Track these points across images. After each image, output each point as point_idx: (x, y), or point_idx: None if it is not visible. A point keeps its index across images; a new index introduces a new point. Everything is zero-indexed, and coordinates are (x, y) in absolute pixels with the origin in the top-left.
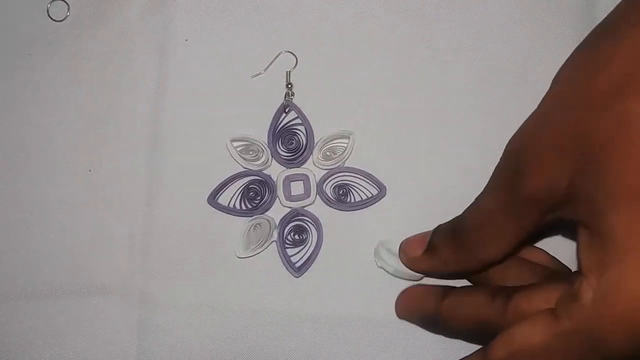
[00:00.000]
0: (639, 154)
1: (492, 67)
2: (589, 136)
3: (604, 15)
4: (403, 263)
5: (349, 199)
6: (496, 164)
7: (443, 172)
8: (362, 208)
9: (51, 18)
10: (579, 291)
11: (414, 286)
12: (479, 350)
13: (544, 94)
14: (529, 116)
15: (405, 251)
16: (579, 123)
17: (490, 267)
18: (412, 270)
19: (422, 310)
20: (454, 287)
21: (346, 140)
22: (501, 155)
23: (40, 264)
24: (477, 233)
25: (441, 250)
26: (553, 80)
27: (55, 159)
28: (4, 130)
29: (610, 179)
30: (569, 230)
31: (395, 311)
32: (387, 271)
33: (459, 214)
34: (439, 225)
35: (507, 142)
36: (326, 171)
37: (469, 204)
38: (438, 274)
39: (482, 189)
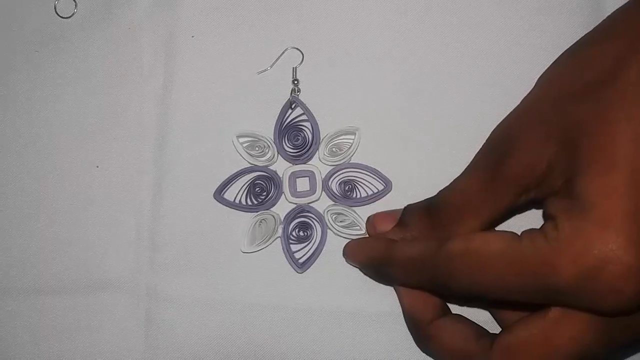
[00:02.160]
0: (608, 135)
1: (500, 63)
2: (569, 122)
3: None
4: (370, 235)
5: (354, 195)
6: None
7: (449, 167)
8: (368, 204)
9: (58, 15)
10: (546, 227)
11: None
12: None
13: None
14: (516, 108)
15: (373, 223)
16: (562, 112)
17: None
18: None
19: (371, 252)
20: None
21: (352, 137)
22: (485, 142)
23: (48, 260)
24: (452, 212)
25: (412, 226)
26: (539, 79)
27: (63, 155)
28: (12, 127)
29: (585, 154)
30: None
31: (344, 252)
32: None
33: None
34: (409, 205)
35: None
36: (332, 167)
37: None
38: None
39: None
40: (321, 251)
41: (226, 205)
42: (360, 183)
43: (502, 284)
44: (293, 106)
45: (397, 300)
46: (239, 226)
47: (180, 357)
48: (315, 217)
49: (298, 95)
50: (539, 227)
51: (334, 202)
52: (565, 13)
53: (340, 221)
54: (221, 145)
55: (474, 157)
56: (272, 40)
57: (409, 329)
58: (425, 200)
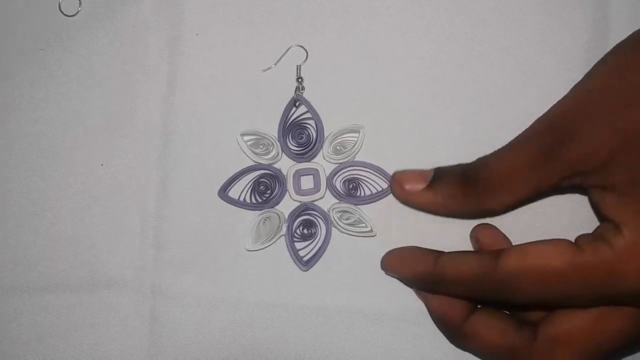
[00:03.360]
0: None
1: (505, 62)
2: (638, 118)
3: None
4: (395, 194)
5: (358, 193)
6: None
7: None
8: (372, 202)
9: (63, 13)
10: (608, 237)
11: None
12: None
13: (593, 66)
14: (576, 89)
15: (401, 182)
16: (631, 105)
17: (485, 217)
18: (404, 202)
19: (417, 267)
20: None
21: (356, 134)
22: (537, 120)
23: (52, 258)
24: (491, 184)
25: (445, 190)
26: (601, 63)
27: (68, 153)
28: (16, 125)
29: None
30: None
31: (384, 267)
32: None
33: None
34: (440, 168)
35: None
36: (336, 165)
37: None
38: (432, 211)
39: None
40: (325, 249)
41: (230, 204)
42: (364, 181)
43: (566, 295)
44: (297, 104)
45: (401, 298)
46: (243, 224)
47: (184, 355)
48: (319, 215)
49: (302, 93)
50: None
51: (338, 200)
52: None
53: (346, 219)
54: (225, 143)
55: (523, 133)
56: (276, 38)
57: (440, 330)
58: (459, 165)
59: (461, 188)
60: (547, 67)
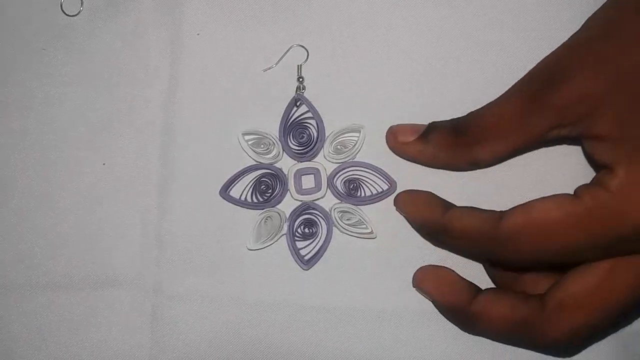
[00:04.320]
0: None
1: (509, 61)
2: (627, 64)
3: None
4: (389, 145)
5: (359, 194)
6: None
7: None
8: (373, 203)
9: (65, 13)
10: (603, 180)
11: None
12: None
13: (587, 20)
14: (572, 36)
15: (394, 134)
16: (619, 53)
17: (475, 168)
18: (397, 153)
19: (426, 213)
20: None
21: (357, 134)
22: (532, 68)
23: (55, 257)
24: (480, 133)
25: (436, 142)
26: (593, 15)
27: (70, 152)
28: (18, 125)
29: None
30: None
31: (396, 203)
32: None
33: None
34: (434, 121)
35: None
36: (337, 165)
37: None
38: (424, 162)
39: (491, 186)
40: (326, 248)
41: (232, 203)
42: (365, 182)
43: (568, 248)
44: (298, 104)
45: (402, 298)
46: (244, 223)
47: (186, 354)
48: (320, 214)
49: (303, 92)
50: None
51: (339, 200)
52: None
53: (347, 219)
54: (227, 142)
55: (513, 85)
56: (277, 38)
57: (448, 319)
58: (451, 119)
59: (452, 139)
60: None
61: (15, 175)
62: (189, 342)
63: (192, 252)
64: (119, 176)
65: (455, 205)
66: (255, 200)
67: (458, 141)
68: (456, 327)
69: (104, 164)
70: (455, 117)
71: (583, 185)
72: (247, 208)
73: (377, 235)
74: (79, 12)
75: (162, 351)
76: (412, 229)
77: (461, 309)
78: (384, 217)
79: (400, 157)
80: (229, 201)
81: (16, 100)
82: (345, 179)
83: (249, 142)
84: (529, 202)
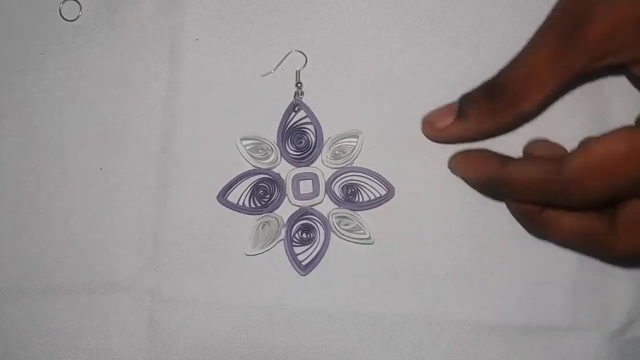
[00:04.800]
0: None
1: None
2: None
3: None
4: (428, 136)
5: (357, 199)
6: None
7: (452, 175)
8: (371, 208)
9: (63, 18)
10: None
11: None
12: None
13: None
14: None
15: (432, 122)
16: None
17: (523, 122)
18: (440, 141)
19: (483, 169)
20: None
21: (355, 139)
22: (554, 7)
23: (51, 261)
24: (517, 88)
25: (475, 114)
26: None
27: (68, 157)
28: (16, 129)
29: None
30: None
31: (451, 165)
32: None
33: (469, 212)
34: (464, 94)
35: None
36: (335, 170)
37: (478, 206)
38: (470, 138)
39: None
40: (324, 253)
41: (230, 208)
42: (363, 187)
43: (636, 178)
44: (296, 109)
45: (399, 303)
46: (242, 228)
47: (183, 358)
48: (318, 220)
49: (301, 98)
50: None
51: (337, 206)
52: None
53: (345, 224)
54: (225, 147)
55: (538, 30)
56: (275, 44)
57: (518, 221)
58: (480, 84)
59: (489, 103)
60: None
61: (12, 179)
62: (186, 347)
63: (189, 257)
64: (116, 181)
65: (512, 158)
66: (253, 206)
67: (497, 104)
68: (453, 332)
69: (101, 169)
70: None
71: None
72: (245, 213)
73: (374, 241)
74: (78, 17)
75: (159, 355)
76: (410, 233)
77: (532, 215)
78: (382, 222)
79: (444, 143)
80: (226, 206)
81: (15, 104)
82: (343, 184)
83: (247, 147)
84: (587, 141)
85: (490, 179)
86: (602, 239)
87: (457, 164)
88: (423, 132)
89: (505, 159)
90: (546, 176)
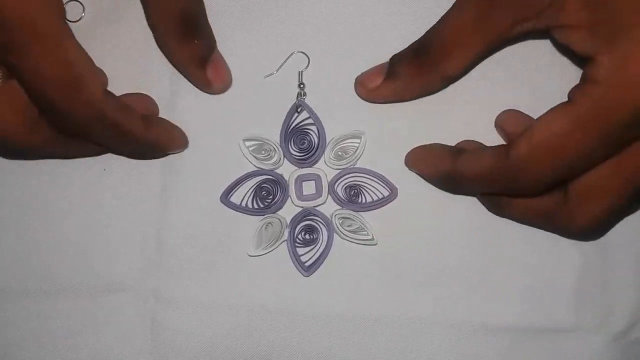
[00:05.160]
0: None
1: (507, 67)
2: None
3: None
4: (362, 97)
5: (360, 200)
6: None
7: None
8: (373, 209)
9: (66, 18)
10: (589, 74)
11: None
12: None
13: None
14: None
15: (363, 83)
16: None
17: (448, 84)
18: (372, 101)
19: (438, 166)
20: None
21: (358, 140)
22: None
23: (54, 262)
24: (443, 47)
25: (402, 73)
26: None
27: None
28: None
29: None
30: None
31: (407, 163)
32: None
33: (472, 214)
34: (394, 55)
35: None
36: (338, 171)
37: (481, 208)
38: (400, 99)
39: None
40: (327, 254)
41: (232, 209)
42: (366, 188)
43: (580, 154)
44: (299, 110)
45: (402, 304)
46: (245, 230)
47: None
48: (321, 221)
49: (304, 99)
50: None
51: (339, 206)
52: None
53: (348, 225)
54: (227, 148)
55: None
56: (278, 44)
57: (438, 186)
58: (409, 45)
59: (416, 64)
60: (550, 76)
61: (15, 180)
62: (189, 348)
63: (192, 258)
64: (119, 182)
65: (462, 149)
66: (256, 207)
67: (424, 62)
68: (456, 334)
69: (104, 170)
70: (457, 123)
71: (574, 87)
72: (248, 214)
73: (377, 242)
74: (81, 18)
75: (162, 357)
76: (413, 235)
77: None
78: (385, 223)
79: (376, 102)
80: (229, 207)
81: None
82: (346, 185)
83: (250, 148)
84: (529, 126)
85: (444, 175)
86: (559, 216)
87: (411, 164)
88: (356, 93)
89: (456, 153)
90: (495, 167)
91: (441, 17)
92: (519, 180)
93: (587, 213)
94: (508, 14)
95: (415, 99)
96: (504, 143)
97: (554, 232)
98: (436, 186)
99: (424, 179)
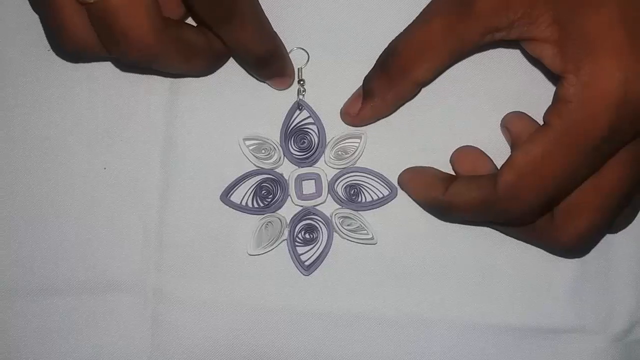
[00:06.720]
0: None
1: (507, 67)
2: None
3: None
4: (350, 125)
5: (360, 199)
6: None
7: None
8: (373, 208)
9: None
10: (560, 93)
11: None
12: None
13: None
14: None
15: (347, 112)
16: None
17: (422, 87)
18: (361, 125)
19: (428, 193)
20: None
21: (358, 140)
22: None
23: (55, 261)
24: (409, 57)
25: (375, 89)
26: None
27: (71, 156)
28: (19, 128)
29: None
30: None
31: (399, 184)
32: None
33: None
34: (365, 76)
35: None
36: (338, 171)
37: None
38: (382, 115)
39: None
40: (327, 254)
41: (233, 208)
42: (365, 187)
43: (564, 175)
44: (300, 107)
45: (402, 304)
46: (245, 229)
47: (186, 359)
48: (321, 220)
49: (304, 95)
50: None
51: (339, 206)
52: None
53: (348, 225)
54: (227, 147)
55: (431, 1)
56: None
57: (428, 212)
58: (377, 59)
59: (386, 76)
60: (551, 76)
61: (16, 179)
62: (189, 347)
63: (192, 257)
64: (119, 181)
65: (454, 178)
66: (256, 206)
67: (393, 73)
68: (456, 333)
69: (104, 169)
70: (457, 122)
71: (547, 108)
72: (248, 213)
73: (377, 241)
74: None
75: (162, 356)
76: (413, 234)
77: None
78: (385, 222)
79: (367, 125)
80: (229, 206)
81: (18, 103)
82: (346, 184)
83: (250, 148)
84: (510, 156)
85: (434, 204)
86: (545, 234)
87: (402, 186)
88: (345, 123)
89: (448, 181)
90: (484, 198)
91: (406, 27)
92: (509, 209)
93: (570, 231)
94: (479, 24)
95: (395, 110)
96: (506, 144)
97: (541, 248)
98: (427, 211)
99: (416, 202)
